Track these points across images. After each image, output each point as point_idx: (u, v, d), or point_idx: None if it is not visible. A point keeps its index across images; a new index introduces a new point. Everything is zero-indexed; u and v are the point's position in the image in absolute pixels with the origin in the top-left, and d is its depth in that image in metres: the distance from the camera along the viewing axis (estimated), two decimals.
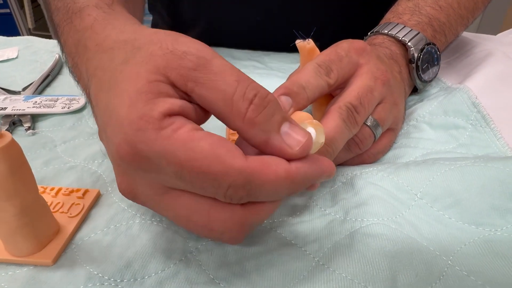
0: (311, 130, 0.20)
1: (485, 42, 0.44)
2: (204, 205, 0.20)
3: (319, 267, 0.22)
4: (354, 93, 0.27)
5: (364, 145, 0.29)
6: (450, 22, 0.39)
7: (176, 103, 0.19)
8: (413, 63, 0.34)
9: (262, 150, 0.20)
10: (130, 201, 0.27)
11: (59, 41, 0.29)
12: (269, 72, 0.45)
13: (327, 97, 0.31)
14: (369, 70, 0.28)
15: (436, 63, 0.37)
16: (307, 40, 0.30)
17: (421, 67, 0.35)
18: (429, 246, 0.22)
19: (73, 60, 0.26)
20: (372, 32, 0.37)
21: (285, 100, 0.24)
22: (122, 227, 0.25)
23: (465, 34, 0.47)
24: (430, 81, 0.37)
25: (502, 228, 0.23)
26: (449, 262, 0.21)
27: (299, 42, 0.30)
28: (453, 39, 0.42)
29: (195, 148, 0.18)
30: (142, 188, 0.20)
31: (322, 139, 0.20)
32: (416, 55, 0.34)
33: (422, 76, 0.36)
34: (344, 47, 0.28)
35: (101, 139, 0.22)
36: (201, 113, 0.20)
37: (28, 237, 0.22)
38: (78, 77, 0.26)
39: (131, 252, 0.23)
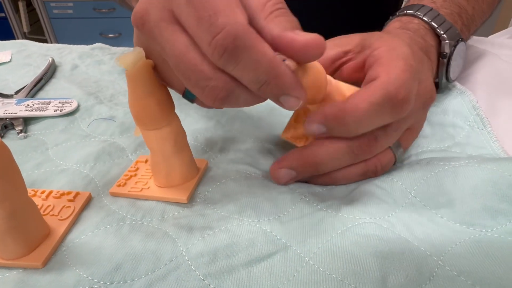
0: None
1: (476, 44, 0.44)
2: (198, 52, 0.21)
3: (309, 267, 0.22)
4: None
5: (382, 166, 0.28)
6: (474, 16, 0.37)
7: None
8: (445, 59, 0.32)
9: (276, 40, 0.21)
10: (121, 203, 0.27)
11: None
12: None
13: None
14: (423, 89, 0.27)
15: (462, 61, 0.35)
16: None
17: (451, 64, 0.33)
18: (420, 246, 0.22)
19: None
20: (405, 12, 0.34)
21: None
22: (112, 229, 0.25)
23: None
24: (454, 80, 0.35)
25: (492, 229, 0.23)
26: (440, 262, 0.21)
27: None
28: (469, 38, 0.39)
29: None
30: (154, 11, 0.21)
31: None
32: (448, 50, 0.32)
33: (451, 74, 0.33)
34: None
35: None
36: None
37: (17, 240, 0.22)
38: None
39: (121, 254, 0.23)
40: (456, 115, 0.33)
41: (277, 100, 0.22)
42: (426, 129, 0.33)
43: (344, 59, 0.30)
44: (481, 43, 0.45)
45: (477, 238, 0.23)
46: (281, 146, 0.34)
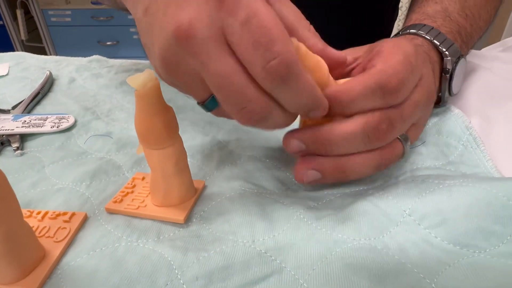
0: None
1: (469, 58, 0.44)
2: (244, 75, 0.22)
3: None
4: (411, 105, 0.27)
5: (395, 157, 0.29)
6: (472, 33, 0.38)
7: None
8: (448, 74, 0.34)
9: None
10: (116, 222, 0.27)
11: None
12: None
13: None
14: (427, 84, 0.28)
15: (462, 76, 0.36)
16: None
17: (453, 79, 0.34)
18: (413, 268, 0.22)
19: None
20: (406, 31, 0.36)
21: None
22: (107, 250, 0.25)
23: None
24: (455, 94, 0.36)
25: (485, 250, 0.23)
26: (433, 285, 0.21)
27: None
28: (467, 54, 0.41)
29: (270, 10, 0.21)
30: (203, 28, 0.21)
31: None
32: (451, 66, 0.34)
33: (453, 88, 0.35)
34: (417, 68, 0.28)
35: None
36: None
37: (12, 264, 0.22)
38: None
39: (116, 278, 0.23)
40: (449, 135, 0.33)
41: (306, 115, 0.25)
42: (420, 147, 0.33)
43: (354, 64, 0.31)
44: (474, 56, 0.46)
45: (471, 259, 0.23)
46: (278, 160, 0.34)
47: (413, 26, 0.36)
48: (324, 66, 0.26)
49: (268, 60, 0.21)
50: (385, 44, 0.29)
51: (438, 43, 0.34)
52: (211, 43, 0.21)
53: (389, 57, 0.27)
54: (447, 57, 0.33)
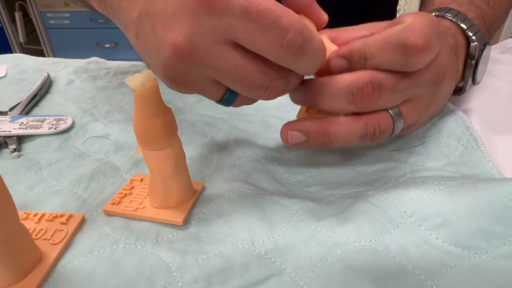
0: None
1: None
2: (258, 59, 0.22)
3: None
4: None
5: (381, 131, 0.28)
6: (494, 21, 0.38)
7: None
8: (473, 60, 0.33)
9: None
10: (114, 224, 0.27)
11: None
12: None
13: None
14: (439, 61, 0.27)
15: (485, 66, 0.35)
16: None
17: (478, 67, 0.33)
18: (414, 269, 0.22)
19: None
20: (434, 14, 0.35)
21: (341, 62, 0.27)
22: (105, 253, 0.24)
23: None
24: (478, 83, 0.35)
25: (487, 251, 0.23)
26: (434, 287, 0.21)
27: None
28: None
29: None
30: (203, 40, 0.21)
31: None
32: (477, 53, 0.33)
33: (477, 76, 0.34)
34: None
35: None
36: None
37: (8, 267, 0.22)
38: None
39: (114, 281, 0.22)
40: (450, 136, 0.33)
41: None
42: (420, 148, 0.33)
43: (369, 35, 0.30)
44: None
45: (472, 261, 0.22)
46: (277, 161, 0.34)
47: (438, 9, 0.35)
48: (312, 24, 0.26)
49: (283, 37, 0.21)
50: (408, 14, 0.27)
51: (465, 27, 0.33)
52: (216, 48, 0.22)
53: (418, 17, 0.26)
54: (474, 42, 0.33)
